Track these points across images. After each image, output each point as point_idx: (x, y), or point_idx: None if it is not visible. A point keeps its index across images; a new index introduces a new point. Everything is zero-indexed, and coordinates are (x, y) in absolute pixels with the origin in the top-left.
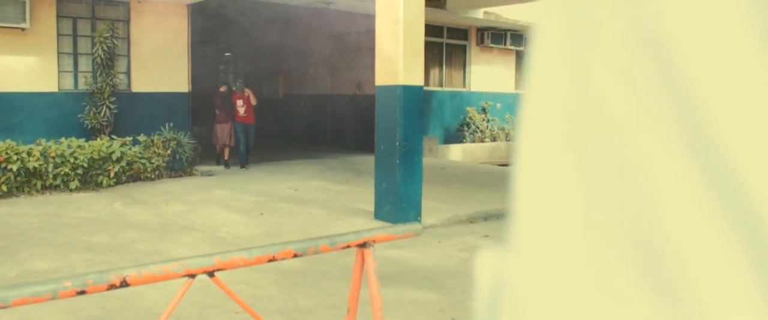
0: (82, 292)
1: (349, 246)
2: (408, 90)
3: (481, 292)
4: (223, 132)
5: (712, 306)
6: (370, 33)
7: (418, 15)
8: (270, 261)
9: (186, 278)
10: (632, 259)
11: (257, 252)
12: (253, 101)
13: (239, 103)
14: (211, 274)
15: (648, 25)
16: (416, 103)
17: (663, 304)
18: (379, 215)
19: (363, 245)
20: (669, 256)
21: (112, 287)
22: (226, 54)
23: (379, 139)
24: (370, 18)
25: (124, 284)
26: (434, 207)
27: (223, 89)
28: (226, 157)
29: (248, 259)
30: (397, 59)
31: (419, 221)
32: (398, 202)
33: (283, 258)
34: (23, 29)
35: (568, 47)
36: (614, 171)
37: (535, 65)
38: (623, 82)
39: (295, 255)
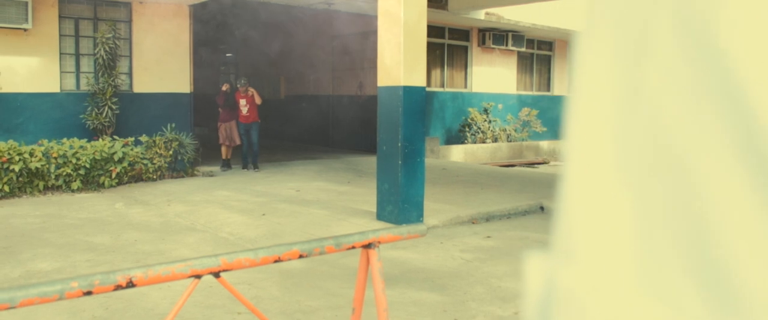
0: (89, 293)
1: (354, 247)
2: (410, 91)
3: (530, 297)
4: (224, 131)
5: (766, 311)
6: (371, 34)
7: (420, 16)
8: (276, 261)
9: (192, 279)
10: (685, 265)
11: (263, 252)
12: (258, 100)
13: (242, 102)
14: (216, 275)
15: (700, 32)
16: (418, 104)
17: (717, 309)
18: (381, 216)
19: (368, 246)
20: (722, 261)
21: (118, 288)
22: (228, 55)
23: (381, 139)
24: (370, 18)
25: (131, 285)
26: (436, 208)
27: (225, 88)
28: (226, 157)
29: (254, 260)
30: (399, 60)
31: (421, 222)
32: (400, 203)
33: (289, 259)
34: (25, 30)
35: (619, 54)
36: (666, 178)
37: (583, 72)
38: (676, 89)
39: (301, 256)
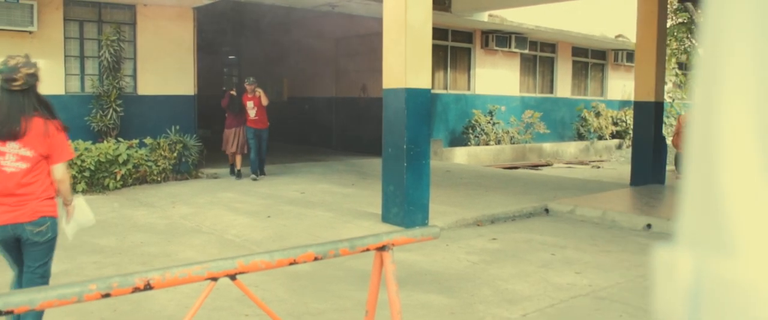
0: (107, 295)
1: (368, 250)
2: (415, 93)
3: (668, 291)
4: (229, 137)
5: None
6: (374, 36)
7: (425, 18)
8: (291, 264)
9: (208, 281)
10: None
11: (278, 255)
12: (265, 101)
13: (250, 104)
14: (233, 277)
15: None
16: (423, 107)
17: None
18: (386, 218)
19: (382, 248)
20: None
21: (136, 290)
22: (230, 57)
23: (386, 142)
24: (373, 21)
25: (148, 287)
26: (441, 210)
27: (232, 92)
28: (238, 166)
29: (270, 262)
30: (404, 62)
31: (427, 224)
32: (406, 205)
33: (304, 262)
34: (30, 33)
35: (761, 40)
36: None
37: (716, 57)
38: None
39: (316, 258)
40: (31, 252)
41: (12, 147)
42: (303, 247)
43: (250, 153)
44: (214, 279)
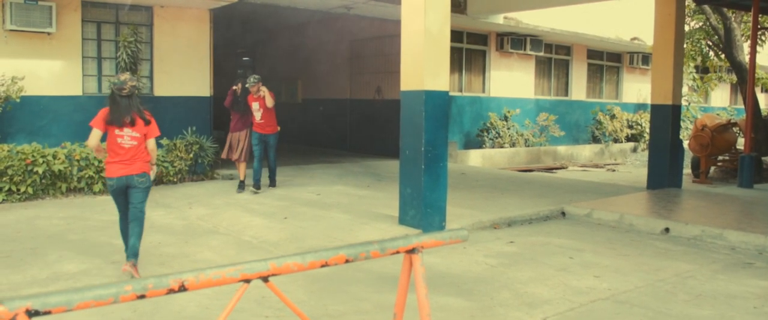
0: (142, 296)
1: (398, 252)
2: (433, 95)
3: None
4: (233, 142)
5: None
6: (389, 38)
7: (443, 20)
8: (323, 266)
9: (241, 283)
10: None
11: (311, 257)
12: (270, 102)
13: (255, 106)
14: (265, 279)
15: None
16: (441, 109)
17: None
18: (403, 220)
19: (412, 251)
20: None
21: (171, 291)
22: (245, 58)
23: (403, 144)
24: (389, 23)
25: (183, 288)
26: (457, 212)
27: (235, 88)
28: (241, 177)
29: (302, 264)
30: (422, 64)
31: (444, 227)
32: (423, 208)
33: (335, 264)
34: (49, 34)
35: None
36: None
37: None
38: None
39: (347, 261)
40: (135, 195)
41: (127, 131)
42: (334, 249)
43: (252, 160)
44: (247, 280)
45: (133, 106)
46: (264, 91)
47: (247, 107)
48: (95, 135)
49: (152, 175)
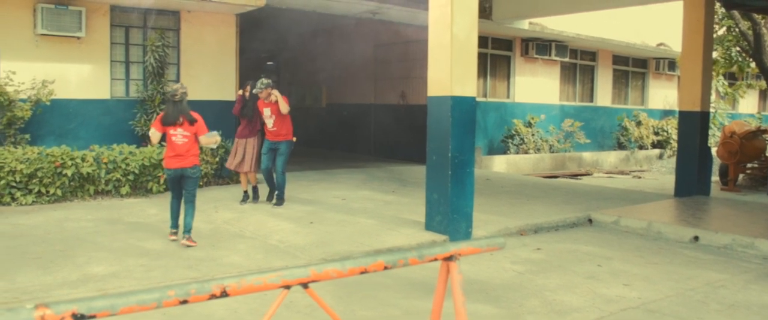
0: (185, 302)
1: (436, 259)
2: (460, 101)
3: None
4: (241, 151)
5: None
6: (414, 43)
7: (471, 26)
8: (362, 273)
9: (282, 289)
10: None
11: (350, 264)
12: (284, 108)
13: (267, 112)
14: (305, 286)
15: None
16: (468, 115)
17: None
18: (429, 226)
19: (449, 258)
20: None
21: (213, 297)
22: (269, 63)
23: (430, 149)
24: (414, 28)
25: (225, 294)
26: (484, 219)
27: (244, 91)
28: (244, 187)
29: (341, 271)
30: (450, 70)
31: (470, 233)
32: (449, 214)
33: (375, 271)
34: (78, 38)
35: None
36: None
37: None
38: None
39: (386, 268)
40: (188, 183)
41: (179, 130)
42: (373, 256)
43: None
44: (288, 286)
45: (183, 109)
46: (276, 95)
47: (256, 113)
48: (154, 134)
49: (216, 140)
